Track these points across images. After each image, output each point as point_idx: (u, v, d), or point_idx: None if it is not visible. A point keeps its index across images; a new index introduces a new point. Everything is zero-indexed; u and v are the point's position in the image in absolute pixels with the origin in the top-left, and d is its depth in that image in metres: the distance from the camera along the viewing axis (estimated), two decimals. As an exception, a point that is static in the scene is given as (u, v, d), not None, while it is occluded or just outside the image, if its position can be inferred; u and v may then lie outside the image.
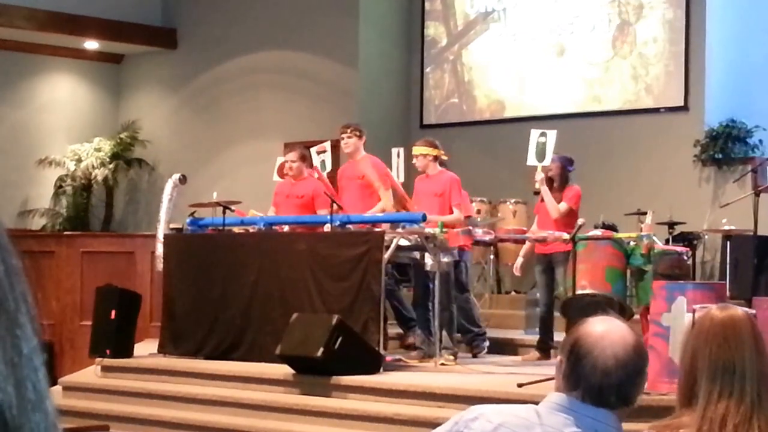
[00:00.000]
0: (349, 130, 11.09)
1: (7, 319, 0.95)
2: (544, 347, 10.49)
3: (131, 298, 11.48)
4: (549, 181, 10.60)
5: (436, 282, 10.08)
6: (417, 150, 10.85)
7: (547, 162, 10.44)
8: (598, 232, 9.99)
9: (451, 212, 10.54)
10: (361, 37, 16.10)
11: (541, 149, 10.43)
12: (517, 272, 11.24)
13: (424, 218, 10.13)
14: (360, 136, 11.07)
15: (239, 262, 10.87)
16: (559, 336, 10.17)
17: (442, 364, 10.07)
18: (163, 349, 11.26)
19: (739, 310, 3.27)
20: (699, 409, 3.08)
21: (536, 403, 2.87)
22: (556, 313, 10.20)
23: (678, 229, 12.74)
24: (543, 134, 10.50)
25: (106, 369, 11.08)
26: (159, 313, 11.75)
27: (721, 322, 3.17)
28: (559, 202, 10.53)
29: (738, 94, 13.87)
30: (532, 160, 10.50)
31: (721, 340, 3.13)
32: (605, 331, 2.80)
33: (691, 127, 13.93)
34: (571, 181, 10.74)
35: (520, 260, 11.06)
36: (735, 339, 3.13)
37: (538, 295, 11.36)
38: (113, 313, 11.20)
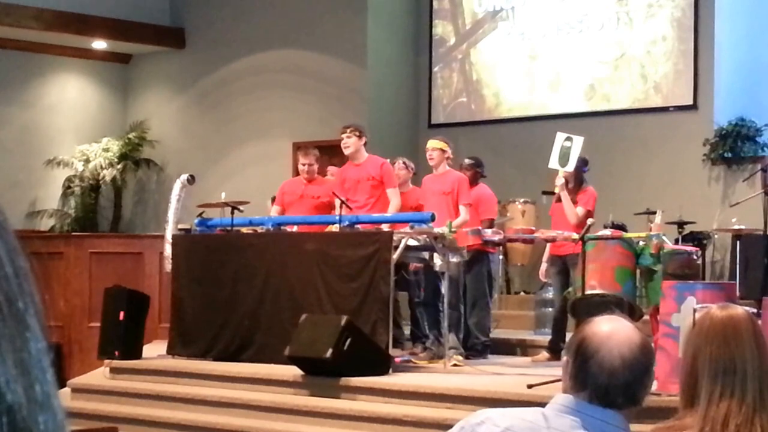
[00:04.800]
0: (348, 130, 11.02)
1: (16, 321, 0.96)
2: (555, 348, 10.46)
3: (140, 299, 11.48)
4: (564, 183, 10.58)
5: (445, 283, 10.07)
6: (437, 144, 10.84)
7: (570, 168, 10.29)
8: (608, 232, 9.96)
9: (458, 211, 10.55)
10: (369, 37, 16.09)
11: (565, 154, 10.28)
12: (543, 278, 11.21)
13: (432, 218, 10.11)
14: (360, 136, 11.00)
15: (248, 263, 10.86)
16: (571, 337, 10.14)
17: (455, 365, 10.05)
18: (171, 351, 11.26)
19: (739, 309, 3.26)
20: (701, 410, 3.06)
21: (546, 404, 2.84)
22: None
23: (687, 229, 12.72)
24: (569, 139, 10.30)
25: (114, 370, 11.08)
26: (168, 315, 11.74)
27: (721, 322, 3.16)
28: (574, 203, 10.51)
29: (747, 92, 13.84)
30: (554, 163, 10.35)
31: (721, 340, 3.12)
32: (611, 331, 2.78)
33: (700, 125, 13.91)
34: (585, 181, 10.73)
35: (544, 266, 11.04)
36: (735, 338, 3.12)
37: (551, 295, 11.38)
38: (122, 314, 11.20)
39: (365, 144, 11.08)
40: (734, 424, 3.02)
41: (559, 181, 10.42)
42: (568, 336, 10.22)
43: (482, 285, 11.04)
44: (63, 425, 0.97)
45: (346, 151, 11.05)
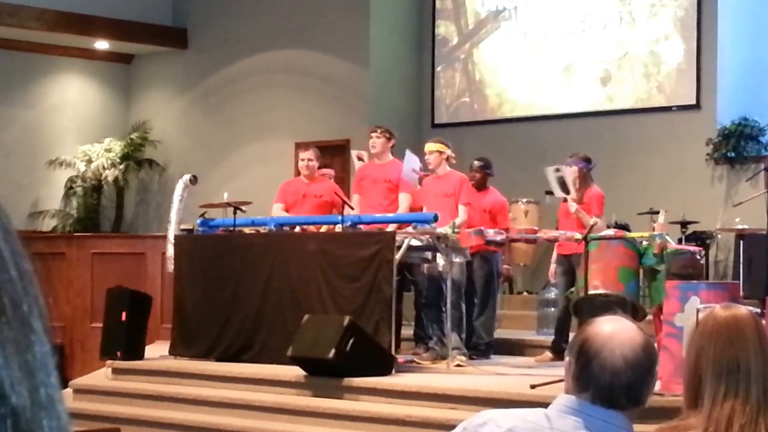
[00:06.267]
0: (379, 131, 11.11)
1: (21, 323, 0.96)
2: (558, 348, 10.45)
3: (142, 300, 11.48)
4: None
5: (448, 283, 10.06)
6: (433, 147, 10.86)
7: (573, 194, 10.41)
8: (611, 232, 9.96)
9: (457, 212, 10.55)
10: (372, 37, 16.08)
11: (562, 182, 10.38)
12: (552, 278, 11.22)
13: (435, 218, 10.11)
14: (389, 138, 11.07)
15: (250, 263, 10.85)
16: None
17: (458, 365, 10.04)
18: (174, 351, 11.26)
19: (742, 309, 3.25)
20: (705, 410, 3.05)
21: (549, 405, 2.84)
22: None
23: (691, 229, 12.72)
24: (557, 170, 10.46)
25: (116, 371, 11.08)
26: (170, 315, 11.74)
27: (724, 322, 3.14)
28: (580, 201, 10.52)
29: (750, 92, 13.83)
30: (557, 192, 10.49)
31: (725, 340, 3.10)
32: (614, 331, 2.77)
33: (704, 125, 13.90)
34: (591, 179, 10.76)
35: (553, 266, 11.05)
36: (739, 338, 3.10)
37: (554, 295, 11.37)
38: (124, 314, 11.20)
39: (392, 147, 11.12)
40: (738, 425, 3.01)
41: (573, 206, 10.44)
42: (572, 336, 10.25)
43: (490, 285, 11.06)
44: (67, 429, 0.97)
45: (373, 151, 11.15)
